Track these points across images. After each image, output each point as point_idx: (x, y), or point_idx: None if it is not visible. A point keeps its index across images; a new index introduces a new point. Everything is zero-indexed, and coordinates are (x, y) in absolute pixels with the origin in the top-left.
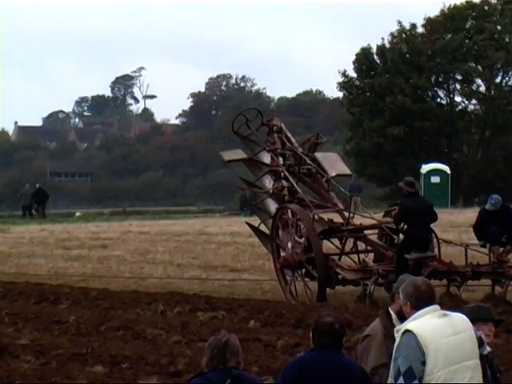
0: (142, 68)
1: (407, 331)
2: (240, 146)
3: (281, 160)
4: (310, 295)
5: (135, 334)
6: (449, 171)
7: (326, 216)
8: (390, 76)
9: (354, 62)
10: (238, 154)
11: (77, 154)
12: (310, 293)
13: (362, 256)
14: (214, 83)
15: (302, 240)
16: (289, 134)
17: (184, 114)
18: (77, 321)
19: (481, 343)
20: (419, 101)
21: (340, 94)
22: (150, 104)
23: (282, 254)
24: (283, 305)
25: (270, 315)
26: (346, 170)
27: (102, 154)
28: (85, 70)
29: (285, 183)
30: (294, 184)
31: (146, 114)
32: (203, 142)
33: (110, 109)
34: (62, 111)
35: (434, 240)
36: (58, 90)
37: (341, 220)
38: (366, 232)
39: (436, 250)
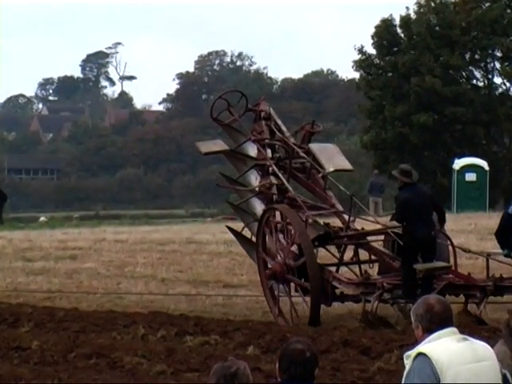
0: (119, 44)
1: (421, 354)
2: (223, 136)
3: (269, 152)
4: (295, 315)
5: (110, 363)
6: (487, 167)
7: (322, 219)
8: (416, 53)
9: (372, 37)
10: (218, 144)
11: (40, 147)
12: (295, 313)
13: (364, 267)
14: (204, 62)
15: (294, 248)
16: (279, 122)
17: (169, 98)
18: (41, 347)
19: (505, 382)
20: (451, 83)
21: (356, 75)
22: (128, 87)
23: (270, 264)
24: (288, 327)
25: (273, 340)
26: (347, 165)
27: (70, 146)
28: (49, 47)
29: (273, 180)
30: (284, 181)
31: (124, 98)
32: (192, 132)
33: (80, 92)
34: (22, 95)
35: (450, 248)
36: (17, 71)
37: (340, 224)
38: (369, 238)
39: (452, 259)
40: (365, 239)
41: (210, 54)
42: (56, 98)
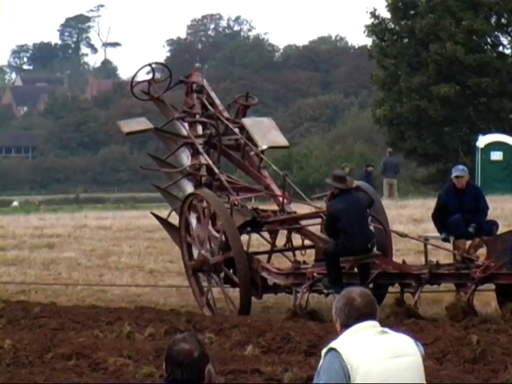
0: (101, 6)
1: (331, 350)
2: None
3: (200, 129)
4: (231, 306)
5: (92, 364)
6: None
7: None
8: (436, 16)
9: None
10: (142, 123)
11: (13, 122)
12: (231, 304)
13: (309, 256)
14: (198, 27)
15: (220, 235)
16: (212, 95)
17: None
18: (14, 346)
19: None
20: (475, 50)
21: (368, 41)
22: (111, 55)
23: (196, 252)
24: (291, 324)
25: (274, 339)
26: (283, 141)
27: (47, 121)
28: (23, 10)
29: (203, 160)
30: (209, 161)
31: (107, 67)
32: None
33: (59, 61)
34: None
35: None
36: None
37: (276, 207)
38: (303, 223)
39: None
40: (298, 224)
41: (204, 17)
42: (31, 67)
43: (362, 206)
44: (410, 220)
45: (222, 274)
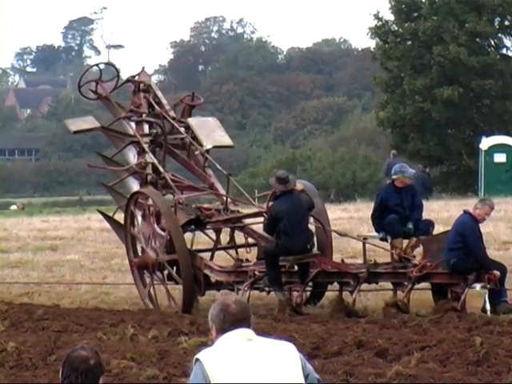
0: (105, 8)
1: (197, 360)
2: None
3: (146, 128)
4: (173, 304)
5: None
6: None
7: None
8: (439, 19)
9: (390, 0)
10: (89, 122)
11: (17, 125)
12: (173, 301)
13: (252, 253)
14: (201, 29)
15: (165, 234)
16: (159, 94)
17: (161, 70)
18: (17, 349)
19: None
20: (478, 52)
21: (372, 44)
22: (115, 57)
23: (141, 249)
24: (295, 326)
25: None
26: (227, 141)
27: (50, 123)
28: (27, 12)
29: (148, 158)
30: (154, 160)
31: (110, 69)
32: None
33: (62, 63)
34: None
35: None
36: None
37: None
38: (247, 222)
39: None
40: (241, 222)
41: (207, 20)
42: (34, 70)
43: (302, 207)
44: None
45: (166, 272)
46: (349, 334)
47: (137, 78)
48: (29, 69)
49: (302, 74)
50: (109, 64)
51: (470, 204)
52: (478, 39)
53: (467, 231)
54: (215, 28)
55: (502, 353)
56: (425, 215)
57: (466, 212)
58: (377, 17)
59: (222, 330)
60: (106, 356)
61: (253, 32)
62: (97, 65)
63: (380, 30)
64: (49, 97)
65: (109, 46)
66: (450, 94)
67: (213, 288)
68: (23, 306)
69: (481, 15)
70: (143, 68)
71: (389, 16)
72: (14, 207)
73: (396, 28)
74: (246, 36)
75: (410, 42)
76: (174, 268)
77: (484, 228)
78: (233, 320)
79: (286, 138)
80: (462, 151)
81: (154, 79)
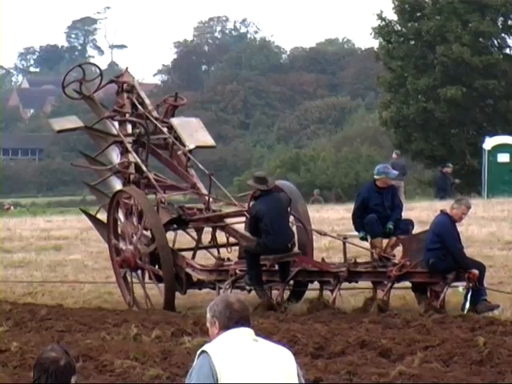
0: (108, 8)
1: (203, 352)
2: None
3: (129, 128)
4: (149, 304)
5: (99, 366)
6: None
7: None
8: (443, 18)
9: (393, 0)
10: (72, 121)
11: (20, 124)
12: (149, 301)
13: (234, 252)
14: (204, 29)
15: (148, 232)
16: (142, 94)
17: (165, 70)
18: (21, 348)
19: None
20: (481, 52)
21: (375, 43)
22: (118, 57)
23: (123, 248)
24: (298, 326)
25: (281, 340)
26: (209, 141)
27: None
28: (30, 12)
29: (131, 158)
30: (138, 159)
31: (114, 69)
32: (190, 107)
33: (65, 63)
34: (0, 66)
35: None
36: None
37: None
38: (228, 221)
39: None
40: (223, 222)
41: (210, 20)
42: (38, 70)
43: (283, 206)
44: (416, 222)
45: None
46: (352, 334)
47: (120, 78)
48: (32, 69)
49: (305, 74)
50: (93, 64)
51: (474, 204)
52: (481, 39)
53: (444, 231)
54: (218, 28)
55: (505, 353)
56: (428, 215)
57: (442, 212)
58: (380, 17)
59: (225, 327)
60: (110, 356)
61: (256, 32)
62: (80, 65)
63: (383, 30)
64: (52, 97)
65: (112, 46)
66: (454, 93)
67: (194, 287)
68: (27, 306)
69: (484, 15)
70: (127, 68)
71: (392, 16)
72: (20, 206)
73: (399, 28)
74: (249, 36)
75: (413, 42)
76: (156, 266)
77: (487, 228)
78: (238, 318)
79: (289, 137)
80: (465, 151)
81: (158, 79)
